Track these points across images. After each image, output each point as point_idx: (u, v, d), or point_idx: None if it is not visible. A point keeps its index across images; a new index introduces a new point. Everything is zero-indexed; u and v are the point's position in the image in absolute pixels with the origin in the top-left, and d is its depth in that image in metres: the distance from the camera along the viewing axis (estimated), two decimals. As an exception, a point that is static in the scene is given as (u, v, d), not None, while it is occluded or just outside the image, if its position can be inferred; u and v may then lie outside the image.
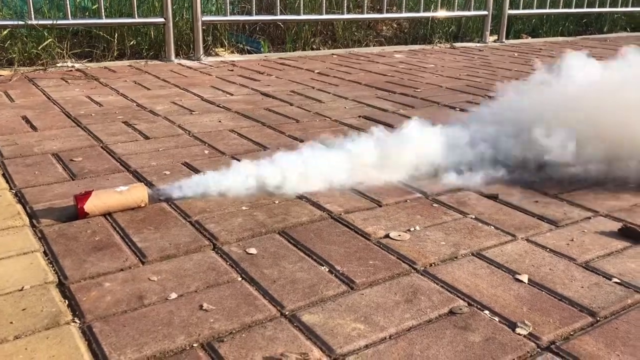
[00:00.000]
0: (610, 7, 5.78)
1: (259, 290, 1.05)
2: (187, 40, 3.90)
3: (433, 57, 4.15)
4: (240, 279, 1.09)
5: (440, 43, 4.90)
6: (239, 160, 1.70)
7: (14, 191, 1.49)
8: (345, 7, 4.35)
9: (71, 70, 3.30)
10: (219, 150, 1.85)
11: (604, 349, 0.89)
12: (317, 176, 1.52)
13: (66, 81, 2.99)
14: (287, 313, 0.98)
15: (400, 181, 1.58)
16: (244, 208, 1.40)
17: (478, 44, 4.94)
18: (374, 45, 4.82)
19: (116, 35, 3.72)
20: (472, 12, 4.97)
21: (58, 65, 3.40)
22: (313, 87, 2.94)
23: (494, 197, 1.49)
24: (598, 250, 1.22)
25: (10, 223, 1.30)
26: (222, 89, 2.87)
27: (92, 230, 1.28)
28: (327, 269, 1.12)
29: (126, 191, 1.37)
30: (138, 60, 3.69)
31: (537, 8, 5.37)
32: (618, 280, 1.09)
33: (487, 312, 0.99)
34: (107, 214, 1.35)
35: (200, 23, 3.73)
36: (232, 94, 2.74)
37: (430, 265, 1.15)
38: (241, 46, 4.27)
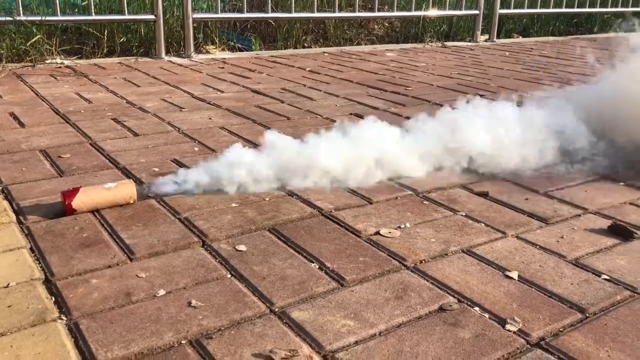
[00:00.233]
0: (600, 7, 5.81)
1: (248, 287, 1.04)
2: (178, 38, 3.87)
3: (424, 56, 4.16)
4: (229, 275, 1.08)
5: (432, 42, 4.91)
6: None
7: (0, 188, 1.48)
8: (336, 6, 4.34)
9: (60, 67, 3.27)
10: (208, 147, 1.84)
11: (593, 345, 0.89)
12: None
13: (55, 78, 2.97)
14: (276, 310, 0.97)
15: (390, 178, 1.58)
16: (233, 205, 1.39)
17: (469, 43, 4.95)
18: (365, 44, 4.81)
19: (106, 32, 3.69)
20: (464, 12, 4.98)
21: (47, 61, 3.37)
22: (304, 85, 2.93)
23: (484, 195, 1.49)
24: (588, 247, 1.22)
25: (-4, 219, 1.29)
26: (212, 86, 2.85)
27: (79, 226, 1.26)
28: (317, 266, 1.12)
29: (114, 188, 1.36)
30: (128, 58, 3.67)
31: (528, 8, 5.38)
32: (607, 277, 1.10)
33: (477, 308, 0.98)
34: (95, 211, 1.33)
35: (190, 20, 3.71)
36: (222, 92, 2.73)
37: (421, 262, 1.14)
38: (232, 44, 4.26)
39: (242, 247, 1.18)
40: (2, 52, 3.28)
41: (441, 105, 2.50)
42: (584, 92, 1.90)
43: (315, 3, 4.22)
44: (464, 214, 1.37)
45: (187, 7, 3.67)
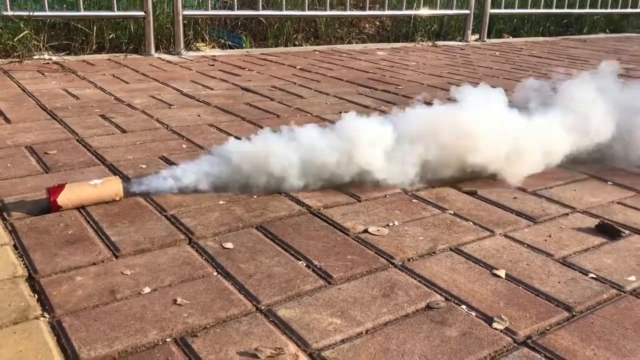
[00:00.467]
0: (590, 8, 5.84)
1: (234, 285, 1.03)
2: (168, 35, 3.85)
3: (415, 55, 4.16)
4: (215, 273, 1.07)
5: (423, 41, 4.91)
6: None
7: (-16, 184, 1.46)
8: (327, 4, 4.33)
9: (48, 63, 3.24)
10: (197, 145, 1.83)
11: (579, 343, 0.89)
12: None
13: (42, 74, 2.94)
14: (262, 308, 0.96)
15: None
16: (221, 202, 1.38)
17: (460, 43, 4.96)
18: (356, 43, 4.81)
19: (95, 28, 3.66)
20: (454, 11, 4.99)
21: (34, 57, 3.34)
22: (294, 83, 2.92)
23: (472, 193, 1.49)
24: (575, 246, 1.22)
25: (-21, 216, 1.27)
26: (202, 83, 2.84)
27: (64, 223, 1.25)
28: (304, 264, 1.11)
29: (100, 184, 1.34)
30: (117, 54, 3.64)
31: (518, 8, 5.40)
32: (594, 276, 1.10)
33: (464, 306, 0.98)
34: (81, 208, 1.32)
35: (181, 17, 3.69)
36: (212, 89, 2.71)
37: (409, 260, 1.14)
38: (223, 41, 4.23)
39: (229, 245, 1.17)
40: (-11, 47, 3.24)
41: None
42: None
43: (307, 1, 4.21)
44: (452, 213, 1.37)
45: (177, 3, 3.64)
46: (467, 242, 1.22)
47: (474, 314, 0.96)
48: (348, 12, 4.59)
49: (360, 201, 1.42)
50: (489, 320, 0.94)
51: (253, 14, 4.21)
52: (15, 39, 3.29)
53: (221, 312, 0.94)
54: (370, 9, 4.76)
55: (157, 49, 3.73)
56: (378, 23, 5.19)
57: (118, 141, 1.84)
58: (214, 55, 3.78)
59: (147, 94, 2.54)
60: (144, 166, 1.62)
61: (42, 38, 3.45)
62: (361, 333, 0.90)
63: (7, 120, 2.04)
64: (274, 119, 2.19)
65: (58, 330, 0.89)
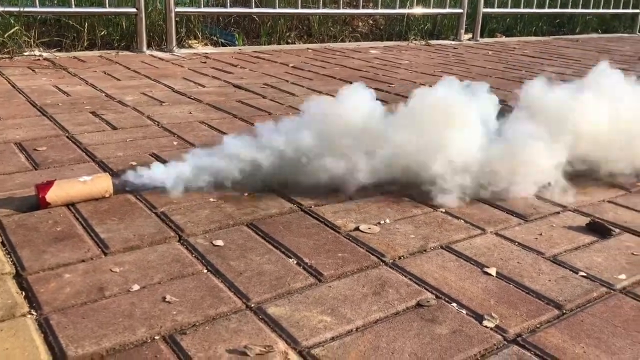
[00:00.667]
0: (582, 8, 5.86)
1: (224, 283, 1.02)
2: (160, 32, 3.83)
3: (408, 54, 4.16)
4: (205, 271, 1.06)
5: (416, 40, 4.91)
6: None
7: (-28, 180, 1.44)
8: (321, 2, 4.33)
9: (39, 60, 3.22)
10: (188, 142, 1.82)
11: (569, 340, 0.89)
12: None
13: (33, 70, 2.92)
14: (252, 305, 0.96)
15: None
16: (211, 200, 1.37)
17: (453, 42, 4.97)
18: (349, 41, 4.81)
19: (86, 24, 3.64)
20: (448, 10, 5.00)
21: (25, 54, 3.31)
22: (287, 81, 2.91)
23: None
24: (566, 245, 1.22)
25: (-33, 212, 1.26)
26: (194, 80, 2.82)
27: (53, 220, 1.24)
28: (295, 261, 1.10)
29: (90, 181, 1.33)
30: (109, 51, 3.62)
31: (511, 7, 5.42)
32: (584, 274, 1.10)
33: (454, 304, 0.98)
34: (70, 204, 1.31)
35: (173, 14, 3.67)
36: (204, 86, 2.70)
37: (399, 258, 1.14)
38: (215, 39, 4.22)
39: (220, 242, 1.17)
40: (-21, 43, 3.22)
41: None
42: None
43: (300, -1, 4.20)
44: (443, 211, 1.37)
45: (170, 0, 3.62)
46: (458, 240, 1.22)
47: (464, 311, 0.96)
48: (341, 10, 4.59)
49: (351, 199, 1.42)
50: (480, 318, 0.94)
51: (246, 12, 4.20)
52: (5, 35, 3.26)
53: (210, 310, 0.94)
54: (363, 7, 4.76)
55: (149, 46, 3.71)
56: (371, 21, 5.19)
57: (108, 138, 1.83)
58: (207, 53, 3.76)
59: (139, 91, 2.53)
60: (134, 163, 1.60)
61: (33, 34, 3.43)
62: (351, 331, 0.90)
63: (-3, 117, 2.02)
64: (265, 116, 2.19)
65: (45, 327, 0.88)
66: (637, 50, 4.82)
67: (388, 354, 0.85)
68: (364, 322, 0.92)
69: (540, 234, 1.27)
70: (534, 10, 5.53)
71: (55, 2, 3.78)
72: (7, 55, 3.22)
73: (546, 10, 5.61)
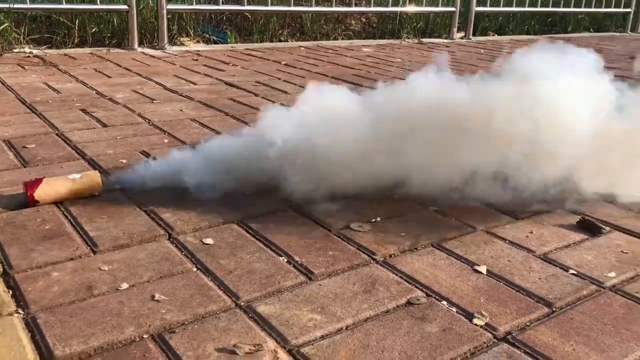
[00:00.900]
0: (574, 7, 5.88)
1: (214, 281, 1.02)
2: (152, 29, 3.81)
3: (400, 52, 4.16)
4: (195, 269, 1.06)
5: (408, 38, 4.91)
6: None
7: (-40, 178, 1.43)
8: (313, 0, 4.32)
9: (29, 57, 3.19)
10: (179, 140, 1.81)
11: (559, 338, 0.89)
12: None
13: (23, 67, 2.89)
14: (242, 304, 0.95)
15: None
16: (202, 198, 1.36)
17: (445, 40, 4.97)
18: (342, 39, 4.80)
19: (77, 21, 3.61)
20: (440, 8, 5.00)
21: (15, 50, 3.28)
22: (279, 79, 2.90)
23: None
24: (556, 243, 1.22)
25: (-46, 210, 1.24)
26: (185, 78, 2.81)
27: (42, 218, 1.23)
28: (285, 260, 1.10)
29: (79, 179, 1.32)
30: (100, 48, 3.60)
31: (503, 6, 5.42)
32: (575, 272, 1.10)
33: (444, 302, 0.98)
34: (59, 202, 1.30)
35: (165, 11, 3.65)
36: (195, 84, 2.69)
37: (390, 256, 1.13)
38: (207, 36, 4.20)
39: (210, 241, 1.16)
40: (-32, 40, 3.19)
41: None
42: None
43: (292, -4, 4.19)
44: (435, 209, 1.37)
45: (161, -3, 3.60)
46: (448, 238, 1.22)
47: (454, 309, 0.96)
48: (334, 8, 4.58)
49: (344, 197, 1.41)
50: (470, 316, 0.94)
51: (238, 9, 4.18)
52: (-5, 32, 3.24)
53: (200, 308, 0.93)
54: (356, 5, 4.75)
55: (140, 44, 3.69)
56: (364, 19, 5.18)
57: (99, 135, 1.82)
58: (198, 50, 3.75)
59: (130, 89, 2.51)
60: (124, 161, 1.59)
61: (23, 31, 3.40)
62: (341, 329, 0.90)
63: (-15, 114, 2.00)
64: (257, 114, 2.17)
65: (32, 326, 0.87)
66: (628, 49, 4.85)
67: (378, 352, 0.84)
68: (354, 320, 0.92)
69: (531, 232, 1.27)
70: (526, 8, 5.54)
71: (46, -2, 3.75)
72: (-4, 52, 3.19)
73: (538, 8, 5.63)
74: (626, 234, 1.28)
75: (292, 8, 4.29)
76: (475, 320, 0.93)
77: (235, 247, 1.14)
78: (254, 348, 0.84)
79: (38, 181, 1.29)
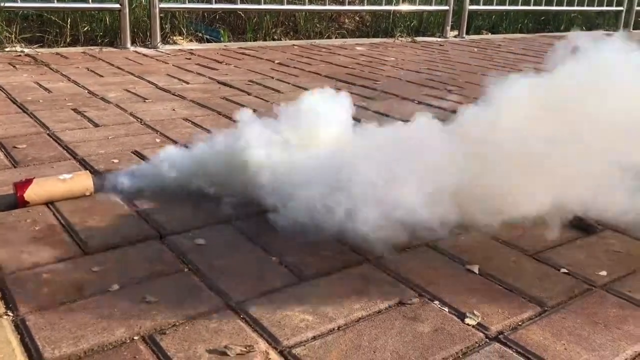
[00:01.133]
0: (567, 5, 5.90)
1: (205, 282, 1.01)
2: (144, 28, 3.79)
3: (394, 51, 4.16)
4: (186, 270, 1.05)
5: (402, 37, 4.91)
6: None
7: (-51, 178, 1.42)
8: (306, -2, 4.31)
9: (20, 56, 3.17)
10: (170, 139, 1.80)
11: (551, 338, 0.89)
12: None
13: (14, 66, 2.87)
14: (233, 305, 0.95)
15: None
16: (194, 198, 1.35)
17: (439, 39, 4.98)
18: (335, 38, 4.80)
19: (69, 20, 3.59)
20: (434, 7, 5.00)
21: (6, 49, 3.26)
22: (272, 77, 2.90)
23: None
24: (549, 242, 1.22)
25: (-57, 212, 1.23)
26: (178, 77, 2.80)
27: (32, 219, 1.22)
28: (277, 260, 1.10)
29: (70, 179, 1.31)
30: (92, 47, 3.58)
31: (497, 5, 5.43)
32: (567, 271, 1.10)
33: (437, 302, 0.98)
34: (50, 203, 1.29)
35: (157, 10, 3.64)
36: (188, 83, 2.68)
37: (382, 255, 1.13)
38: (200, 35, 4.19)
39: (201, 241, 1.15)
40: (-41, 39, 3.16)
41: (410, 100, 2.50)
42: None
43: (285, -5, 4.18)
44: (427, 208, 1.37)
45: (154, -4, 3.59)
46: (441, 237, 1.22)
47: (446, 309, 0.96)
48: (327, 7, 4.57)
49: (335, 196, 1.41)
50: (462, 316, 0.94)
51: (231, 8, 4.17)
52: (-14, 31, 3.22)
53: (191, 310, 0.93)
54: (349, 4, 4.75)
55: (133, 43, 3.67)
56: (357, 18, 5.18)
57: (90, 135, 1.81)
58: (192, 49, 3.73)
59: (122, 88, 2.50)
60: (116, 161, 1.59)
61: (14, 30, 3.38)
62: (333, 329, 0.89)
63: (-24, 114, 1.99)
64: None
65: (22, 328, 0.87)
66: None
67: (370, 353, 0.84)
68: (346, 320, 0.92)
69: (524, 231, 1.27)
70: (520, 7, 5.56)
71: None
72: (-13, 51, 3.17)
73: (531, 7, 5.64)
74: (619, 232, 1.28)
75: (286, 7, 4.28)
76: (467, 320, 0.93)
77: (226, 247, 1.14)
78: (245, 349, 0.83)
79: (28, 182, 1.28)
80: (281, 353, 0.84)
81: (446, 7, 4.98)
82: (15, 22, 3.43)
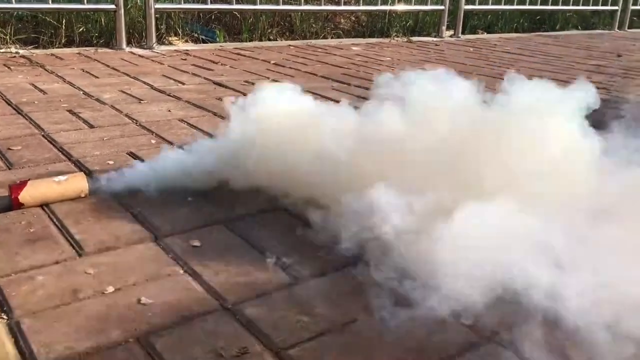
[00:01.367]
0: (562, 5, 5.91)
1: (200, 284, 1.01)
2: (140, 29, 3.79)
3: (390, 51, 4.16)
4: (182, 271, 1.05)
5: (398, 37, 4.92)
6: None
7: (-56, 181, 1.41)
8: (302, -2, 4.31)
9: (15, 57, 3.16)
10: (166, 140, 1.80)
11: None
12: None
13: (9, 67, 2.86)
14: (229, 306, 0.95)
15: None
16: (189, 199, 1.35)
17: (434, 39, 4.98)
18: (331, 38, 4.80)
19: (64, 21, 3.59)
20: (429, 7, 5.01)
21: (1, 51, 3.25)
22: (268, 78, 2.90)
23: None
24: (544, 241, 1.22)
25: (-63, 214, 1.23)
26: (173, 78, 2.79)
27: (27, 221, 1.21)
28: (273, 261, 1.09)
29: (65, 181, 1.31)
30: (87, 48, 3.57)
31: (492, 4, 5.44)
32: (562, 270, 1.10)
33: (433, 302, 0.97)
34: (45, 205, 1.28)
35: (153, 11, 3.63)
36: (183, 83, 2.67)
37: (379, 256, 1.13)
38: (196, 35, 4.19)
39: (197, 242, 1.15)
40: (-47, 40, 3.15)
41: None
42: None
43: (281, -5, 4.18)
44: (423, 208, 1.37)
45: (149, -3, 3.58)
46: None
47: (443, 309, 0.96)
48: (323, 7, 4.57)
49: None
50: (457, 316, 0.94)
51: (227, 8, 4.16)
52: (-20, 32, 3.21)
53: (186, 311, 0.93)
54: (345, 4, 4.75)
55: (128, 43, 3.67)
56: (353, 18, 5.18)
57: (85, 137, 1.80)
58: (187, 50, 3.73)
59: (117, 89, 2.49)
60: (111, 162, 1.58)
61: (9, 31, 3.37)
62: (329, 331, 0.89)
63: (-30, 115, 1.98)
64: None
65: (16, 332, 0.86)
66: (615, 47, 4.88)
67: (365, 354, 0.84)
68: (342, 321, 0.91)
69: (519, 231, 1.26)
70: (515, 7, 5.57)
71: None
72: (-18, 53, 3.16)
73: (527, 7, 5.65)
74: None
75: (281, 7, 4.28)
76: (463, 320, 0.93)
77: (222, 248, 1.14)
78: (240, 351, 0.83)
79: (23, 184, 1.27)
80: (277, 355, 0.84)
81: (442, 7, 4.99)
82: (9, 23, 3.42)
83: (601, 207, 1.12)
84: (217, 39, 4.22)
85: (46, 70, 2.85)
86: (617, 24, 6.40)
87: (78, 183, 1.32)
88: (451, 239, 1.01)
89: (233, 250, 1.13)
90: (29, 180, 1.29)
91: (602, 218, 1.09)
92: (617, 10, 6.34)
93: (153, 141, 1.78)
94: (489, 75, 3.24)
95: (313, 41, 4.49)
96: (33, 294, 0.96)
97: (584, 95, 1.21)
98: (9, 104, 2.15)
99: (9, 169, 1.51)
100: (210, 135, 1.83)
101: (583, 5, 6.02)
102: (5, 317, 0.90)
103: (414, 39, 4.91)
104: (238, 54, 3.67)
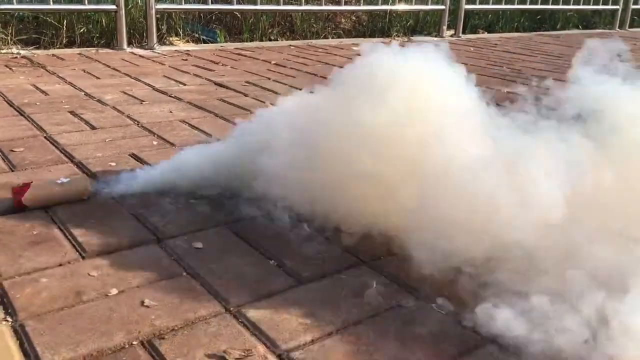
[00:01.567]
0: (563, 4, 5.91)
1: (203, 286, 1.01)
2: (140, 29, 3.79)
3: (390, 50, 4.16)
4: (184, 274, 1.05)
5: (398, 37, 4.92)
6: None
7: (-53, 183, 1.42)
8: (303, -2, 4.31)
9: (16, 58, 3.17)
10: (168, 141, 1.80)
11: (547, 340, 0.90)
12: None
13: (10, 68, 2.87)
14: (232, 309, 0.95)
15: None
16: (191, 201, 1.36)
17: (435, 38, 4.98)
18: (332, 38, 4.80)
19: (65, 22, 3.59)
20: (430, 6, 5.01)
21: (2, 52, 3.25)
22: (269, 78, 2.90)
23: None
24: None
25: (-60, 216, 1.23)
26: (175, 78, 2.80)
27: (30, 223, 1.22)
28: (275, 263, 1.10)
29: (67, 183, 1.32)
30: (88, 49, 3.57)
31: (493, 4, 5.44)
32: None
33: (434, 305, 0.98)
34: (47, 207, 1.29)
35: (153, 11, 3.63)
36: (185, 84, 2.68)
37: (379, 258, 1.14)
38: (197, 36, 4.19)
39: (199, 245, 1.16)
40: (-45, 41, 3.16)
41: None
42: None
43: (282, -5, 4.18)
44: (424, 210, 1.37)
45: (150, -3, 3.59)
46: (438, 239, 1.22)
47: (444, 312, 0.96)
48: (324, 7, 4.57)
49: (332, 199, 1.41)
50: (459, 318, 0.94)
51: (227, 8, 4.16)
52: (-18, 33, 3.21)
53: (189, 314, 0.93)
54: (346, 3, 4.75)
55: (129, 44, 3.67)
56: (354, 18, 5.18)
57: (87, 138, 1.81)
58: (188, 50, 3.73)
59: (119, 90, 2.50)
60: (113, 164, 1.59)
61: (10, 32, 3.38)
62: (331, 333, 0.90)
63: (-28, 117, 1.98)
64: (247, 114, 2.17)
65: (21, 334, 0.87)
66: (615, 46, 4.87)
67: (368, 356, 0.85)
68: (344, 324, 0.92)
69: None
70: (516, 6, 5.57)
71: (33, -1, 3.73)
72: (-17, 53, 3.17)
73: (528, 6, 5.65)
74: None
75: (282, 7, 4.28)
76: (464, 322, 0.93)
77: (224, 250, 1.14)
78: (243, 354, 0.84)
79: (26, 186, 1.28)
80: (280, 357, 0.84)
81: (442, 7, 4.99)
82: (11, 23, 3.43)
83: None
84: (218, 39, 4.22)
85: (47, 71, 2.85)
86: (617, 23, 6.40)
87: (80, 185, 1.33)
88: None
89: (235, 252, 1.14)
90: (32, 182, 1.30)
91: None
92: (618, 9, 6.33)
93: (155, 142, 1.79)
94: (490, 75, 3.24)
95: (314, 41, 4.49)
96: (37, 296, 0.96)
97: None
98: (10, 105, 2.15)
99: (12, 170, 1.52)
100: (210, 136, 1.84)
101: (584, 4, 6.02)
102: (9, 319, 0.90)
103: (415, 38, 4.91)
104: (239, 54, 3.67)
